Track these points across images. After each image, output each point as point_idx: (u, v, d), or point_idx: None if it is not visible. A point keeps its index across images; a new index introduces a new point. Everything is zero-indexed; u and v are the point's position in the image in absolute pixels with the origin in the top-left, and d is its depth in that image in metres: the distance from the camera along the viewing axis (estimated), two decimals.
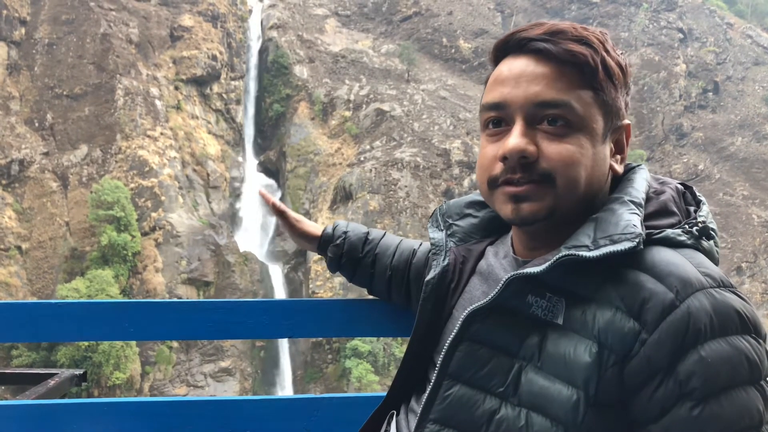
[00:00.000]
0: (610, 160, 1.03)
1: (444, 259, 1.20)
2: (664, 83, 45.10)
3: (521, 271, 0.97)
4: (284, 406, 1.70)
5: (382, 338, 28.08)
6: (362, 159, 36.82)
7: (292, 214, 1.62)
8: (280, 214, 1.61)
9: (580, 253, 0.93)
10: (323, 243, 1.60)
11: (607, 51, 1.00)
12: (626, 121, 1.05)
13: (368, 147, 37.63)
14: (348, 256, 1.56)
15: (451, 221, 1.26)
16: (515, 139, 0.97)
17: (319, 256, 1.68)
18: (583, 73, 0.97)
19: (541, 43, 0.98)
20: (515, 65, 1.01)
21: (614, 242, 0.93)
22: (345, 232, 1.58)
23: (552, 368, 0.93)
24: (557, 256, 0.94)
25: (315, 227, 1.63)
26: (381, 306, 1.65)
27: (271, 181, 38.29)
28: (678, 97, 45.35)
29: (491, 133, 1.03)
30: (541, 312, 0.96)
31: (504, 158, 0.98)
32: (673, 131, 44.31)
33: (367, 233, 1.58)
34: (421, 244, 1.56)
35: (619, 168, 1.05)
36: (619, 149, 1.05)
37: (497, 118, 1.02)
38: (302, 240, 1.63)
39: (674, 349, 0.86)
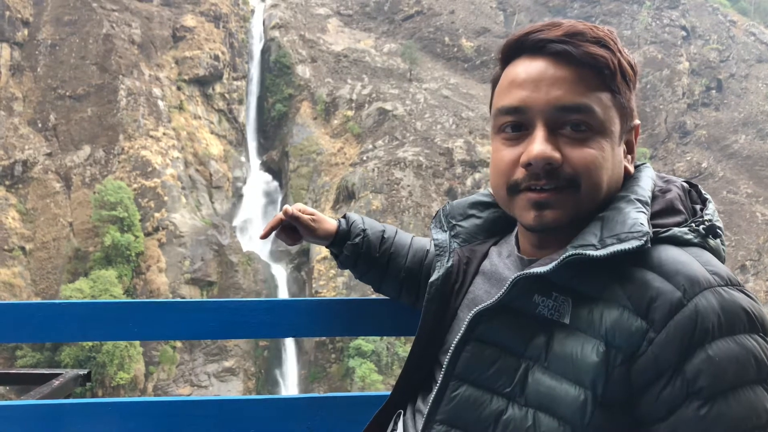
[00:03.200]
0: (624, 160, 1.04)
1: (448, 260, 1.20)
2: (667, 81, 44.99)
3: (528, 271, 0.97)
4: (287, 405, 1.70)
5: (385, 338, 28.09)
6: (365, 158, 36.82)
7: (306, 217, 1.49)
8: (295, 220, 1.48)
9: (587, 252, 0.92)
10: (338, 239, 1.51)
11: (620, 51, 1.00)
12: (637, 121, 1.05)
13: (371, 146, 37.63)
14: (365, 256, 1.49)
15: (454, 222, 1.26)
16: (540, 145, 0.96)
17: (325, 254, 1.59)
18: (602, 75, 0.96)
19: (560, 45, 0.97)
20: (533, 68, 0.99)
21: (621, 241, 0.92)
22: (363, 230, 1.50)
23: (559, 368, 0.93)
24: (564, 256, 0.93)
25: (331, 224, 1.52)
26: (384, 305, 1.65)
27: (274, 182, 38.34)
28: (681, 95, 45.23)
29: (509, 137, 1.01)
30: (548, 312, 0.96)
31: (528, 164, 0.97)
32: (676, 129, 44.20)
33: (383, 231, 1.52)
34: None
35: (631, 167, 1.06)
36: (629, 149, 1.06)
37: (515, 123, 1.00)
38: (317, 238, 1.52)
39: (682, 348, 0.86)
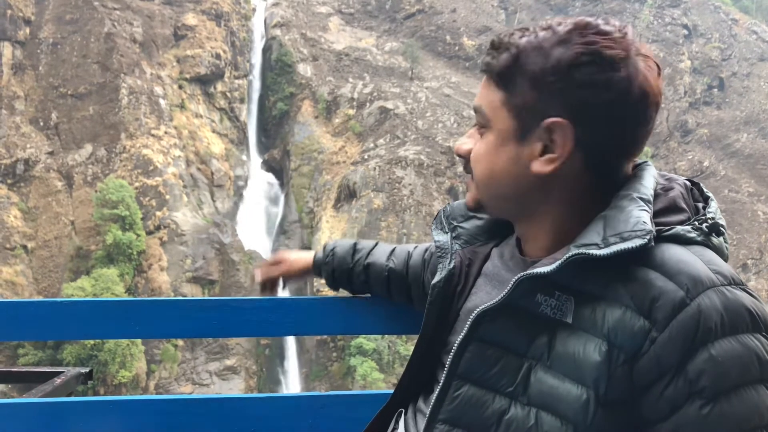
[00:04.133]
0: (535, 161, 0.99)
1: (450, 262, 1.19)
2: (668, 80, 44.90)
3: (531, 270, 0.97)
4: (289, 403, 1.70)
5: (386, 336, 28.11)
6: (366, 157, 36.83)
7: (285, 266, 1.70)
8: (274, 274, 1.71)
9: (590, 251, 0.92)
10: (316, 268, 1.66)
11: (539, 49, 0.97)
12: (552, 119, 0.97)
13: (372, 145, 37.63)
14: (339, 269, 1.61)
15: (455, 223, 1.25)
16: (460, 139, 1.12)
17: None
18: (496, 78, 1.03)
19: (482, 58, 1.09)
20: None
21: (624, 240, 0.91)
22: (332, 249, 1.64)
23: (561, 367, 0.93)
24: (567, 255, 0.93)
25: (307, 257, 1.70)
26: (385, 304, 1.65)
27: (275, 180, 38.36)
28: (683, 94, 45.18)
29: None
30: (551, 311, 0.96)
31: None
32: (678, 128, 44.15)
33: (355, 244, 1.63)
34: (415, 247, 1.56)
35: (544, 168, 0.99)
36: (550, 149, 0.99)
37: None
38: (303, 275, 1.71)
39: (684, 348, 0.86)
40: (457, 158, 1.14)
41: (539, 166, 1.00)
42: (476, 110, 1.06)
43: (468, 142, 1.09)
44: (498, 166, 1.03)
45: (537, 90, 0.98)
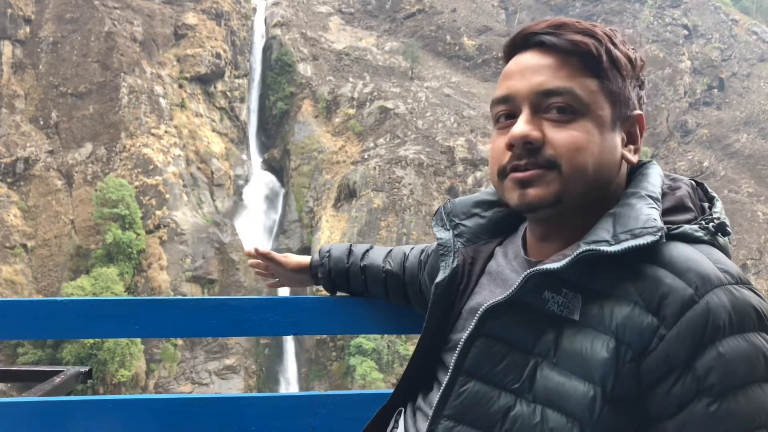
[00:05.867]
0: (623, 149, 1.03)
1: (453, 261, 1.19)
2: (668, 80, 44.94)
3: (540, 267, 0.97)
4: (289, 403, 1.69)
5: (386, 336, 28.13)
6: (366, 157, 36.84)
7: (278, 255, 1.73)
8: (266, 257, 1.73)
9: (601, 248, 0.92)
10: (313, 269, 1.69)
11: (614, 43, 1.01)
12: (637, 112, 1.04)
13: (372, 145, 37.64)
14: (335, 270, 1.64)
15: (457, 221, 1.24)
16: (520, 125, 0.98)
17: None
18: (586, 61, 0.98)
19: (544, 36, 1.00)
20: (521, 59, 1.03)
21: (635, 237, 0.92)
22: (328, 251, 1.68)
23: (568, 364, 0.93)
24: (577, 252, 0.93)
25: (304, 258, 1.73)
26: (385, 303, 1.65)
27: (275, 180, 38.37)
28: (683, 94, 45.19)
29: (502, 126, 1.05)
30: (558, 308, 0.96)
31: (511, 146, 1.00)
32: (677, 128, 44.17)
33: (350, 246, 1.67)
34: (412, 248, 1.57)
35: (633, 158, 1.04)
36: (631, 139, 1.05)
37: (507, 112, 1.04)
38: (297, 276, 1.73)
39: (693, 345, 0.86)
40: (509, 149, 0.99)
41: (629, 155, 1.03)
42: (562, 92, 0.97)
43: (534, 128, 0.98)
44: (604, 155, 0.99)
45: (626, 82, 1.01)
